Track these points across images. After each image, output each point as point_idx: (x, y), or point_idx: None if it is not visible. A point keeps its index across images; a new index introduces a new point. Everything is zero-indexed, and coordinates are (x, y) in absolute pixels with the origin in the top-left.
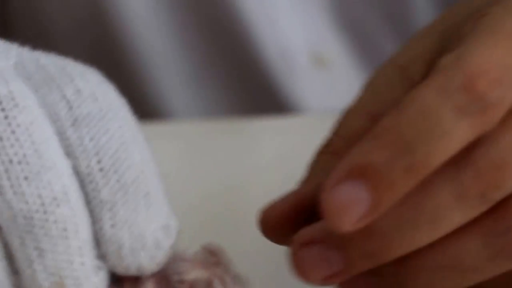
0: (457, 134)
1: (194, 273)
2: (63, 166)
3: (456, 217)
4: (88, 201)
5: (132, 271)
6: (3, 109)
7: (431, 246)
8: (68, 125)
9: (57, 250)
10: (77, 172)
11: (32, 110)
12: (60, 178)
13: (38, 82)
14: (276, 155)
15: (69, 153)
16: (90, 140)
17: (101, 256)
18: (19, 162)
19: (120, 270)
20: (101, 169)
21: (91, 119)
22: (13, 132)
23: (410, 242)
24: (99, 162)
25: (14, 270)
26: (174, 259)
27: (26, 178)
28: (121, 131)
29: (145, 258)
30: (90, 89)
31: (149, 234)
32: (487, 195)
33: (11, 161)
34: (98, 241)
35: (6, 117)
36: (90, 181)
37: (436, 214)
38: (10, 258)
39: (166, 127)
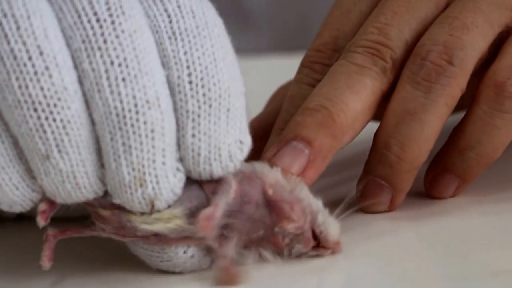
0: None
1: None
2: (159, 73)
3: (368, 80)
4: (175, 109)
5: (205, 177)
6: (110, 15)
7: (387, 111)
8: (166, 37)
9: (143, 149)
10: (169, 82)
11: (137, 19)
12: (154, 84)
13: None
14: None
15: (164, 63)
16: (184, 54)
17: (181, 159)
18: (119, 65)
19: (194, 175)
20: (190, 82)
21: (188, 34)
22: (117, 36)
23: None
24: (189, 75)
25: (101, 164)
26: None
27: (123, 79)
28: (213, 49)
29: (218, 168)
30: (190, 6)
31: (225, 147)
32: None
33: (112, 63)
34: (179, 146)
35: (112, 22)
36: (179, 91)
37: (350, 80)
38: (99, 153)
39: None
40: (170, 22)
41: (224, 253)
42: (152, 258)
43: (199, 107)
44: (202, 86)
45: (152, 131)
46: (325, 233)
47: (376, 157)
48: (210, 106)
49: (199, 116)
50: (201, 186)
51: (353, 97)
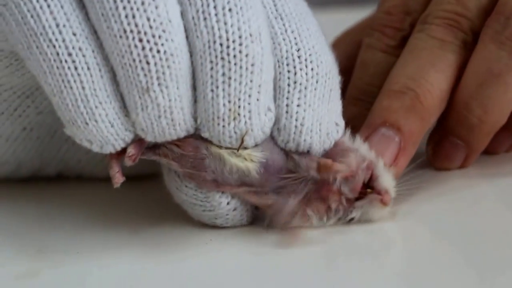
0: None
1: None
2: (261, 10)
3: (450, 55)
4: (282, 80)
5: (302, 149)
6: None
7: (468, 71)
8: (272, 17)
9: (241, 81)
10: (276, 55)
11: None
12: (258, 18)
13: None
14: None
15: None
16: (291, 32)
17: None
18: None
19: (291, 146)
20: (299, 56)
21: (293, 17)
22: None
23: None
24: (298, 50)
25: (194, 101)
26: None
27: (230, 10)
28: (319, 33)
29: (317, 141)
30: None
31: (325, 123)
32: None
33: None
34: (279, 117)
35: None
36: (287, 64)
37: (432, 56)
38: (193, 89)
39: None
40: (275, 5)
41: (286, 211)
42: (195, 207)
43: (307, 80)
44: (311, 62)
45: (253, 65)
46: (382, 179)
47: (455, 118)
48: (317, 81)
49: (306, 88)
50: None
51: (439, 76)
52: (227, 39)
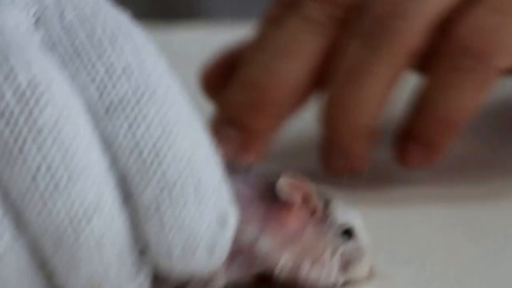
0: None
1: None
2: (95, 166)
3: (311, 36)
4: (132, 201)
5: (185, 276)
6: (27, 102)
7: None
8: (102, 113)
9: (93, 261)
10: (114, 171)
11: (56, 102)
12: (92, 184)
13: (65, 54)
14: None
15: (107, 146)
16: (128, 129)
17: (142, 253)
18: (48, 168)
19: (173, 276)
20: (143, 164)
21: (127, 103)
22: (39, 131)
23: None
24: (139, 156)
25: (47, 275)
26: None
27: (54, 189)
28: (161, 113)
29: (199, 262)
30: (125, 60)
31: (203, 232)
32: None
33: (38, 169)
34: (144, 245)
35: (30, 113)
36: (131, 181)
37: (289, 41)
38: (43, 265)
39: None
40: (101, 94)
41: None
42: None
43: (160, 194)
44: (158, 165)
45: (99, 242)
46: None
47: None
48: (173, 188)
49: (161, 204)
50: None
51: (293, 65)
52: (58, 228)
